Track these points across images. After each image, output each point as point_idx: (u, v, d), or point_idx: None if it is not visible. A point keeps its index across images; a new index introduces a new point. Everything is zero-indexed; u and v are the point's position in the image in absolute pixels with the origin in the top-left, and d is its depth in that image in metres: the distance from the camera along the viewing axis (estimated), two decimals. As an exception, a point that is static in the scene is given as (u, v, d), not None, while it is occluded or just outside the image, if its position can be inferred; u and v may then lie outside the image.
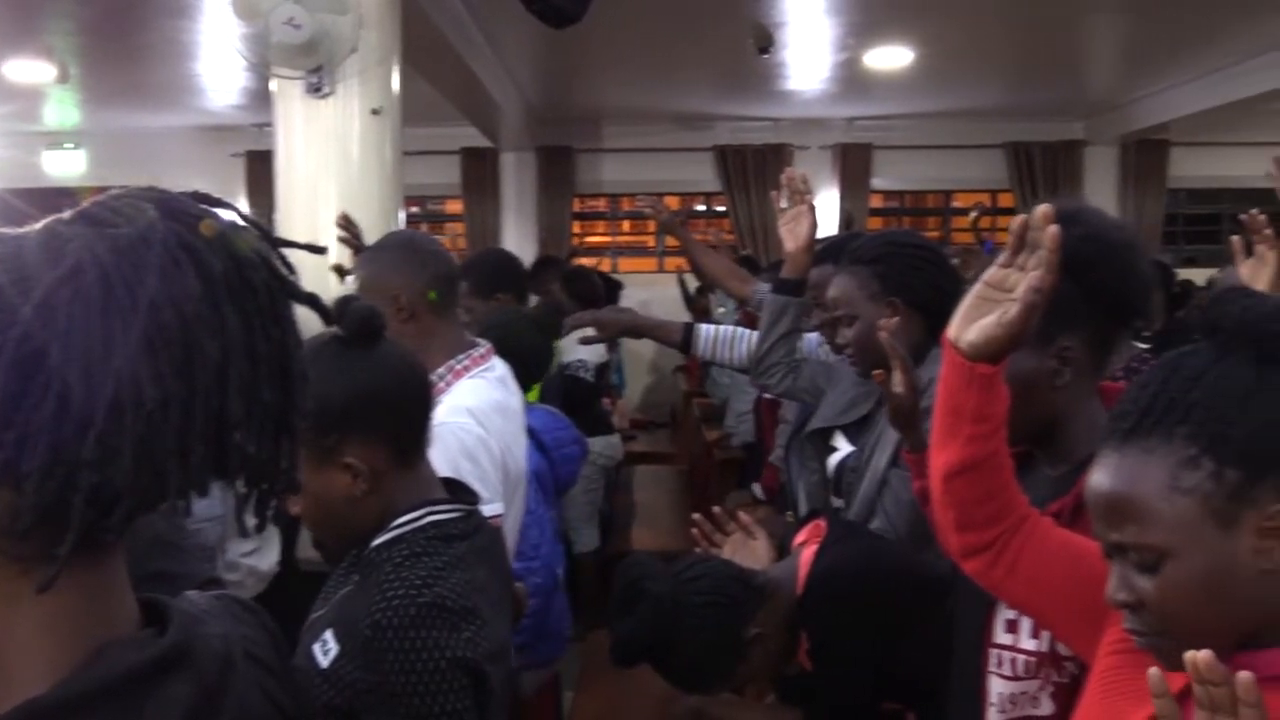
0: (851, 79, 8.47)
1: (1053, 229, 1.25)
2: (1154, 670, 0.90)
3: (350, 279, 2.58)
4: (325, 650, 1.34)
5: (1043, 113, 10.24)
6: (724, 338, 3.04)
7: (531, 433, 3.16)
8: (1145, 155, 10.60)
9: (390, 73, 4.43)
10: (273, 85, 4.33)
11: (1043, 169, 10.55)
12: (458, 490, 1.58)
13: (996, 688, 1.53)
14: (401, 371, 1.55)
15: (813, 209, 2.74)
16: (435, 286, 2.29)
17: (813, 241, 2.73)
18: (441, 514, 1.48)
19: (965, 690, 1.59)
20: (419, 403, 1.56)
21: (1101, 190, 10.55)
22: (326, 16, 4.02)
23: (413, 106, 4.86)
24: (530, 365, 3.22)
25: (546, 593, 3.00)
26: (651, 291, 9.93)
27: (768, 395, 4.11)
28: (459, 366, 2.30)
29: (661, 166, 10.52)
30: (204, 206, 0.81)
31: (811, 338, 2.93)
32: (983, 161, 10.68)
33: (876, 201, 10.97)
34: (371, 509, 1.46)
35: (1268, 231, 2.58)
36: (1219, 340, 1.12)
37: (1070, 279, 1.44)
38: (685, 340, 3.12)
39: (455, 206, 10.87)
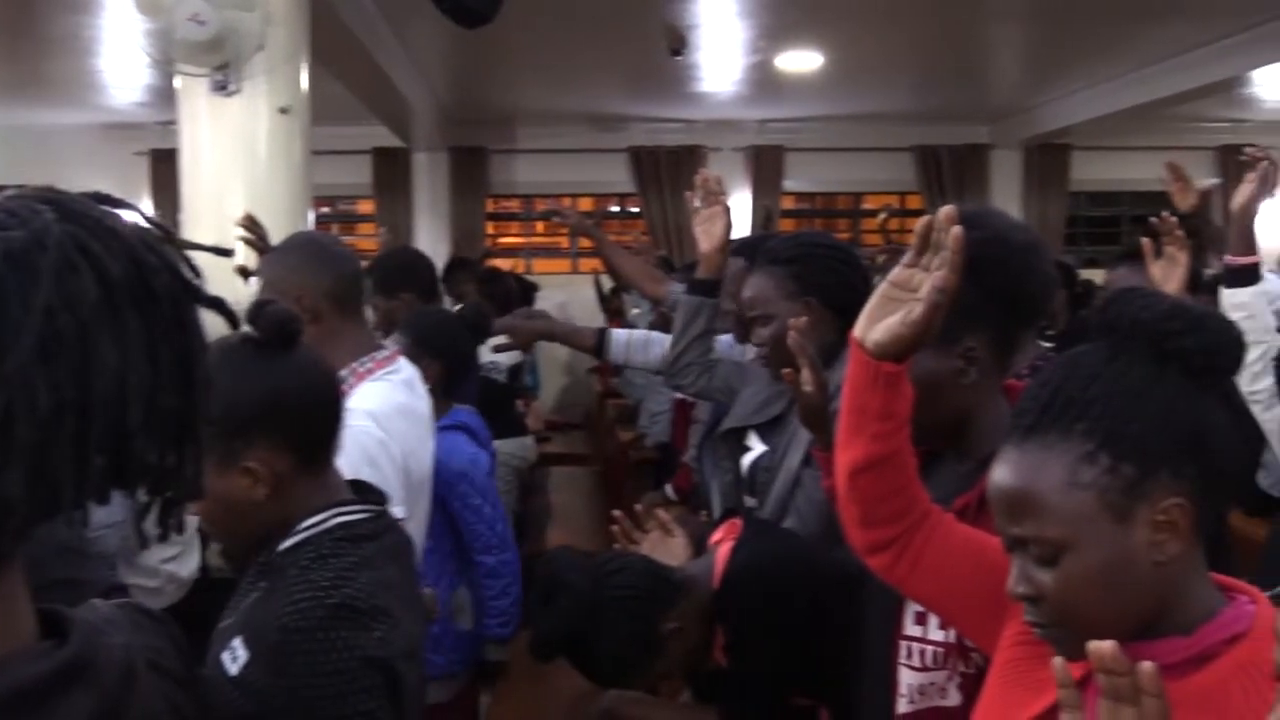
0: (763, 82, 8.53)
1: (956, 230, 1.26)
2: (1058, 660, 0.92)
3: (254, 280, 2.54)
4: (234, 658, 1.31)
5: (949, 117, 10.41)
6: (637, 342, 3.05)
7: (472, 432, 3.15)
8: (1048, 159, 10.83)
9: (299, 71, 4.36)
10: (177, 82, 4.24)
11: (950, 172, 10.72)
12: (366, 492, 1.56)
13: (906, 678, 1.55)
14: (312, 376, 1.53)
15: (727, 210, 2.74)
16: (339, 288, 2.27)
17: (727, 242, 2.74)
18: (349, 515, 1.46)
19: (876, 681, 1.60)
20: (328, 408, 1.53)
21: (1006, 193, 10.76)
22: (232, 13, 3.95)
23: (322, 105, 4.80)
24: (459, 366, 3.22)
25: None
26: (567, 292, 9.92)
27: (681, 395, 4.13)
28: (362, 369, 2.27)
29: (576, 167, 10.50)
30: (103, 208, 0.79)
31: (725, 338, 2.94)
32: (892, 164, 10.82)
33: (788, 203, 11.06)
34: (273, 513, 1.43)
35: (1178, 233, 2.65)
36: (1115, 339, 1.14)
37: (974, 280, 1.46)
38: (598, 346, 3.13)
39: (367, 207, 10.74)
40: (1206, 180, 2.80)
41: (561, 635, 1.91)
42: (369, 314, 3.37)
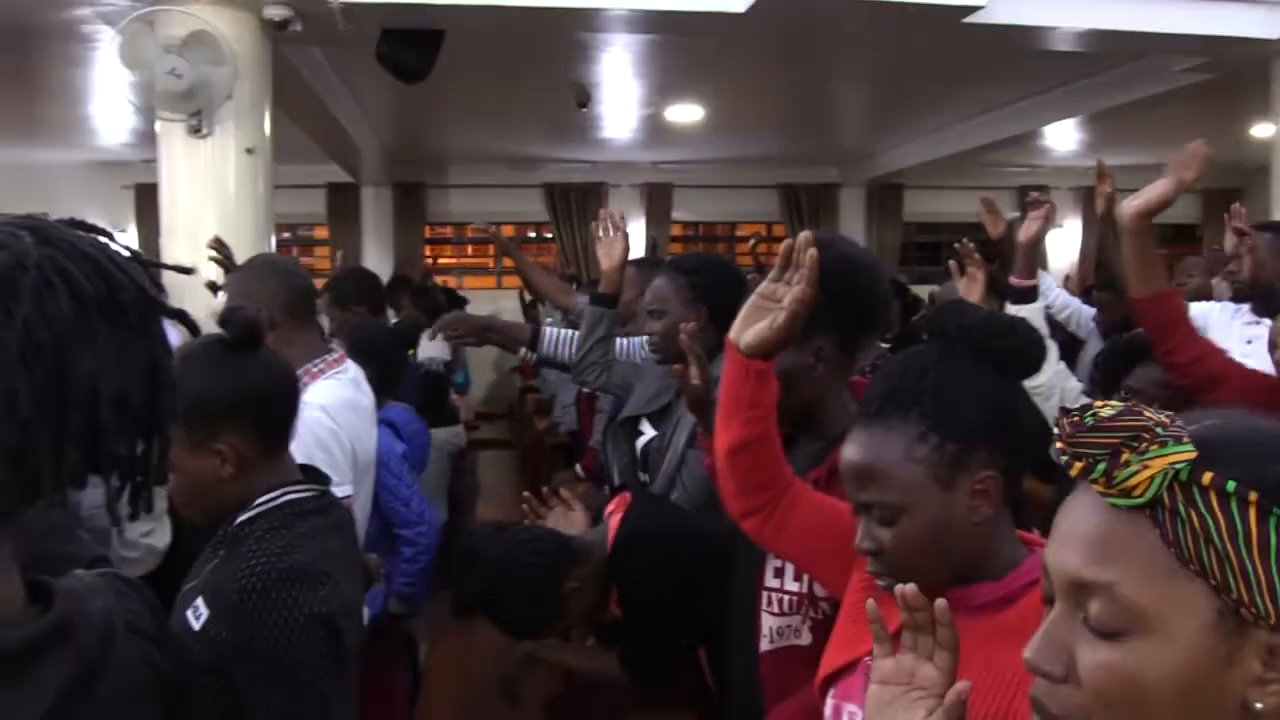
0: (655, 130, 8.56)
1: (812, 252, 1.28)
2: (870, 602, 0.93)
3: (222, 294, 2.49)
4: (197, 615, 1.28)
5: (807, 160, 10.55)
6: (562, 339, 3.04)
7: (393, 425, 3.11)
8: (885, 196, 11.03)
9: (262, 117, 4.29)
10: (157, 126, 4.17)
11: (807, 205, 10.86)
12: (313, 474, 1.54)
13: (767, 622, 1.56)
14: (274, 373, 1.51)
15: (626, 237, 2.77)
16: (293, 300, 2.24)
17: (625, 263, 2.76)
18: (298, 494, 1.43)
19: (743, 625, 1.61)
20: (287, 400, 1.51)
21: (852, 223, 10.93)
22: (205, 68, 3.89)
23: (283, 146, 4.71)
24: (389, 370, 3.21)
25: (432, 548, 3.00)
26: (493, 305, 9.84)
27: (586, 390, 4.13)
28: (315, 369, 2.24)
29: (499, 200, 10.42)
30: (79, 233, 0.77)
31: (635, 341, 2.94)
32: (760, 199, 10.93)
33: (676, 230, 11.10)
34: (236, 490, 1.41)
35: (976, 257, 2.74)
36: (943, 341, 1.16)
37: (825, 291, 1.48)
38: (533, 340, 3.12)
39: (322, 233, 10.52)
40: (1011, 213, 2.88)
41: (477, 597, 1.90)
42: (326, 323, 3.32)
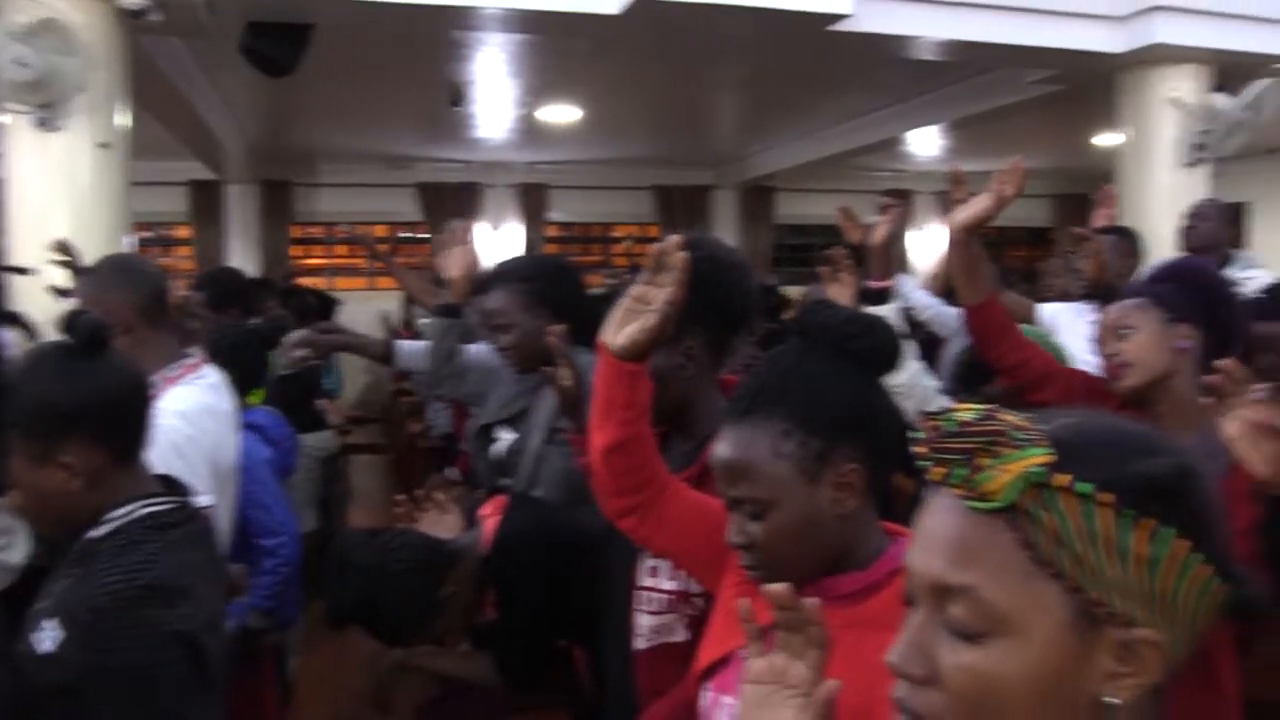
0: (530, 130, 8.52)
1: (681, 255, 1.28)
2: (743, 600, 0.94)
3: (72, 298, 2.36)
4: (47, 637, 1.21)
5: (680, 163, 10.66)
6: (418, 350, 2.99)
7: (260, 430, 3.00)
8: (757, 198, 11.23)
9: (118, 110, 4.09)
10: (4, 118, 3.92)
11: (681, 207, 10.97)
12: (172, 484, 1.47)
13: (643, 621, 1.56)
14: (123, 378, 1.43)
15: (472, 249, 2.75)
16: (147, 303, 2.14)
17: (470, 273, 2.75)
18: (155, 505, 1.37)
19: (619, 625, 1.61)
20: (138, 407, 1.43)
21: (725, 225, 11.10)
22: (54, 57, 3.68)
23: (142, 141, 4.52)
24: (250, 373, 3.08)
25: (294, 560, 2.88)
26: (365, 306, 9.64)
27: (444, 402, 4.09)
28: (171, 375, 2.14)
29: (371, 199, 10.22)
30: None
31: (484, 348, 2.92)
32: (635, 201, 11.00)
33: (552, 231, 11.07)
34: (87, 503, 1.33)
35: (847, 262, 2.80)
36: (806, 341, 1.19)
37: (695, 293, 1.49)
38: (387, 355, 3.06)
39: (184, 232, 10.11)
40: (871, 218, 2.95)
41: (351, 606, 1.85)
42: (196, 324, 3.19)
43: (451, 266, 2.74)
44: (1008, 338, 2.16)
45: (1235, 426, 1.52)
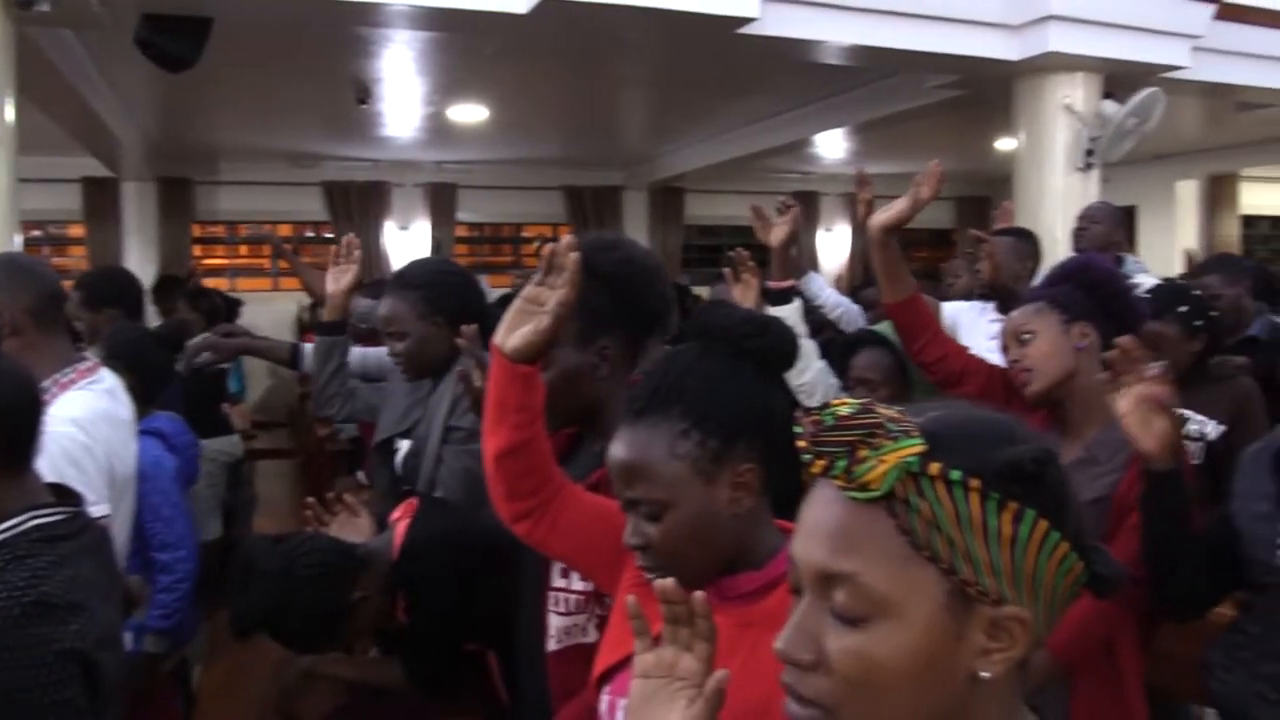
0: (439, 129, 8.42)
1: (574, 257, 1.28)
2: (630, 597, 0.94)
3: None
4: None
5: (591, 163, 10.66)
6: None
7: (163, 436, 2.90)
8: (667, 199, 11.29)
9: (3, 104, 3.91)
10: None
11: (591, 208, 10.97)
12: (65, 494, 1.41)
13: (554, 622, 1.56)
14: (11, 384, 1.36)
15: (358, 266, 2.70)
16: (38, 304, 2.05)
17: (352, 290, 2.71)
18: (46, 517, 1.31)
19: (531, 626, 1.60)
20: (26, 414, 1.37)
21: (636, 226, 11.13)
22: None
23: (31, 136, 4.33)
24: (152, 379, 2.96)
25: (191, 577, 2.77)
26: (269, 308, 9.42)
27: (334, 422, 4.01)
28: (64, 379, 2.06)
29: (275, 198, 9.98)
30: None
31: (371, 352, 2.88)
32: (546, 201, 10.96)
33: (462, 231, 10.97)
34: None
35: (750, 264, 2.83)
36: (703, 341, 1.19)
37: (608, 293, 1.49)
38: (292, 358, 2.99)
39: (78, 231, 9.73)
40: (778, 211, 2.98)
41: (258, 614, 1.80)
42: (76, 325, 3.06)
43: (333, 281, 2.67)
44: (927, 333, 2.22)
45: (1126, 403, 1.58)
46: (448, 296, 2.30)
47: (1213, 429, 2.70)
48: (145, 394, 2.81)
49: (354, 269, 2.68)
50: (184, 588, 2.73)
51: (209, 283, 8.44)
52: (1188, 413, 2.38)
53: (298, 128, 8.36)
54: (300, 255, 7.92)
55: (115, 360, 2.35)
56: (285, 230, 10.44)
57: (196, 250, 10.18)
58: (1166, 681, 2.26)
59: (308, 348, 2.97)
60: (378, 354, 2.85)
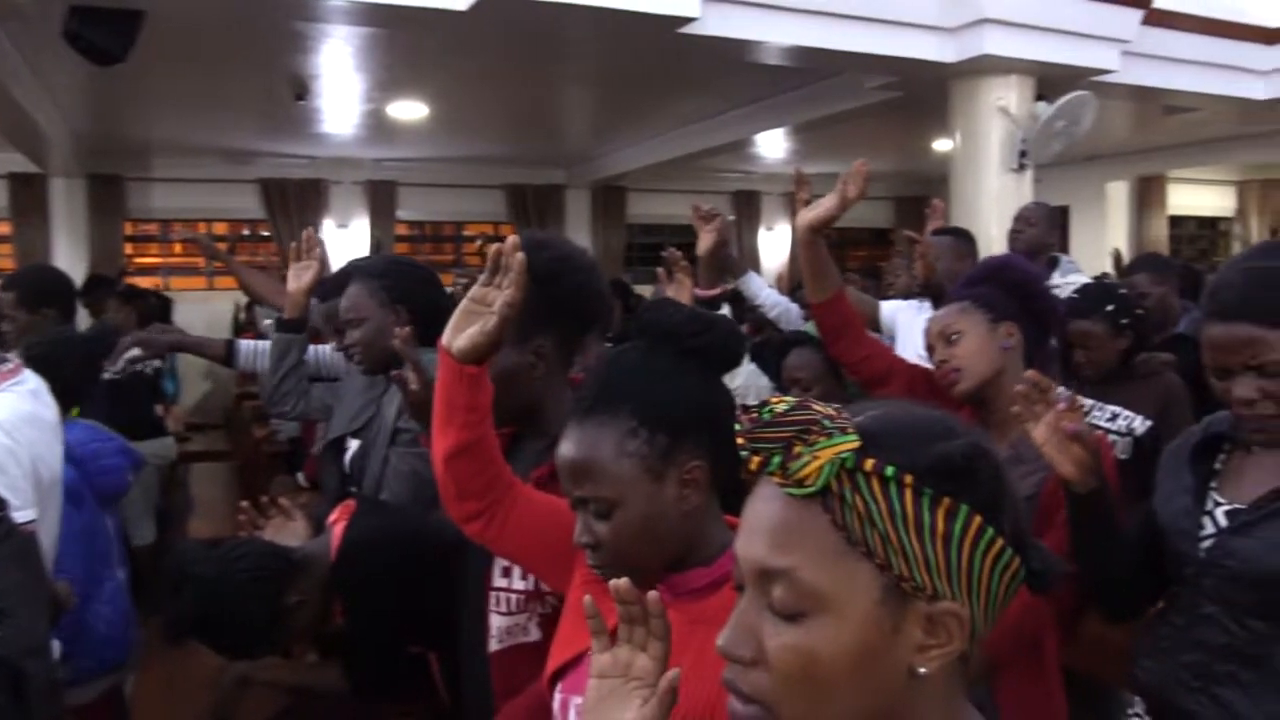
0: (378, 126, 8.34)
1: (519, 257, 1.27)
2: (587, 597, 0.94)
3: None
4: None
5: (533, 161, 10.63)
6: (260, 351, 2.89)
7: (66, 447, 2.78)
8: (610, 198, 11.30)
9: (-78, 98, 3.80)
10: None
11: (534, 207, 10.94)
12: (-12, 499, 1.37)
13: (496, 622, 1.55)
14: None
15: (322, 263, 2.67)
16: None
17: (313, 288, 2.67)
18: (-32, 523, 1.28)
19: (473, 627, 1.60)
20: None
21: (578, 225, 11.12)
22: None
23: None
24: (73, 383, 2.85)
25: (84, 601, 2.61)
26: (204, 308, 9.25)
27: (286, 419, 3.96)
28: None
29: (210, 195, 9.81)
30: None
31: (326, 352, 2.84)
32: (487, 199, 10.91)
33: (402, 230, 10.87)
34: None
35: (684, 263, 2.84)
36: (650, 339, 1.20)
37: (544, 291, 1.49)
38: (228, 355, 2.94)
39: (4, 229, 9.47)
40: (702, 219, 2.98)
41: (191, 620, 1.77)
42: (6, 326, 2.97)
43: (294, 279, 2.64)
44: (853, 333, 2.24)
45: (1042, 433, 1.61)
46: (409, 287, 2.28)
47: (1140, 425, 2.76)
48: (66, 399, 2.71)
49: (315, 265, 2.65)
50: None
51: (142, 282, 8.26)
52: (1115, 409, 2.44)
53: (233, 124, 8.22)
54: (235, 254, 7.80)
55: (36, 364, 2.28)
56: (221, 229, 10.27)
57: (129, 249, 9.97)
58: (1098, 669, 2.32)
59: (244, 344, 2.92)
60: (328, 352, 2.82)
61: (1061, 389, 1.65)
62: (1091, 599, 1.73)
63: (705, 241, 2.90)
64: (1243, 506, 1.50)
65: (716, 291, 2.97)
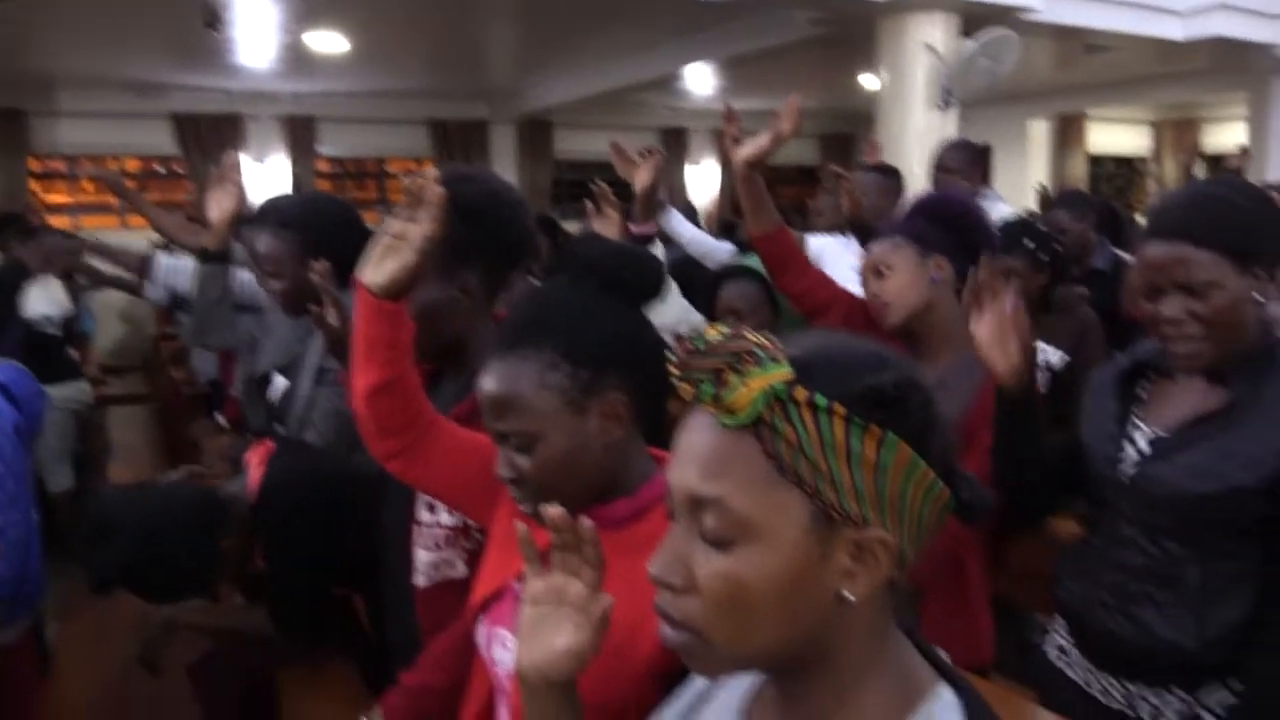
0: (296, 58, 8.09)
1: (438, 190, 1.25)
2: (521, 525, 0.94)
3: None
4: None
5: (456, 95, 10.42)
6: (179, 269, 2.77)
7: (3, 388, 2.70)
8: (536, 133, 11.15)
9: None
10: None
11: (458, 142, 10.75)
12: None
13: (422, 558, 1.55)
14: None
15: (240, 188, 2.57)
16: None
17: (235, 217, 2.58)
18: None
19: (397, 565, 1.59)
20: None
21: (504, 161, 10.97)
22: None
23: None
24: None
25: (26, 542, 2.58)
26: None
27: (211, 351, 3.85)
28: None
29: (120, 131, 9.45)
30: None
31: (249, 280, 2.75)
32: (410, 135, 10.70)
33: (323, 166, 10.61)
34: None
35: (611, 198, 2.83)
36: (572, 273, 1.19)
37: (471, 226, 1.46)
38: (144, 266, 2.82)
39: (-102, 165, 9.03)
40: (639, 155, 2.97)
41: (125, 568, 1.73)
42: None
43: (215, 207, 2.54)
44: (793, 265, 2.26)
45: (984, 329, 1.65)
46: (329, 237, 2.19)
47: (1056, 358, 2.83)
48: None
49: (236, 192, 2.55)
50: (15, 554, 2.55)
51: (54, 222, 7.95)
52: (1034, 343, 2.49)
53: (142, 54, 7.89)
54: (148, 192, 7.53)
55: None
56: (132, 165, 9.92)
57: (35, 187, 9.57)
58: (1018, 596, 2.40)
59: (163, 258, 2.80)
60: (251, 281, 2.72)
61: (1010, 294, 1.68)
62: (1002, 504, 1.78)
63: (643, 177, 2.89)
64: (1164, 433, 1.55)
65: (652, 229, 2.96)
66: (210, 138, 9.54)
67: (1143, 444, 1.57)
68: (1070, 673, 1.69)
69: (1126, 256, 3.90)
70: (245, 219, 3.03)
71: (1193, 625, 1.50)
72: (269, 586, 1.92)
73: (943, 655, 0.77)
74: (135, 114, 9.40)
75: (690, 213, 5.44)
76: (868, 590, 0.71)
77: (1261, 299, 1.49)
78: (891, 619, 0.75)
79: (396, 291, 1.27)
